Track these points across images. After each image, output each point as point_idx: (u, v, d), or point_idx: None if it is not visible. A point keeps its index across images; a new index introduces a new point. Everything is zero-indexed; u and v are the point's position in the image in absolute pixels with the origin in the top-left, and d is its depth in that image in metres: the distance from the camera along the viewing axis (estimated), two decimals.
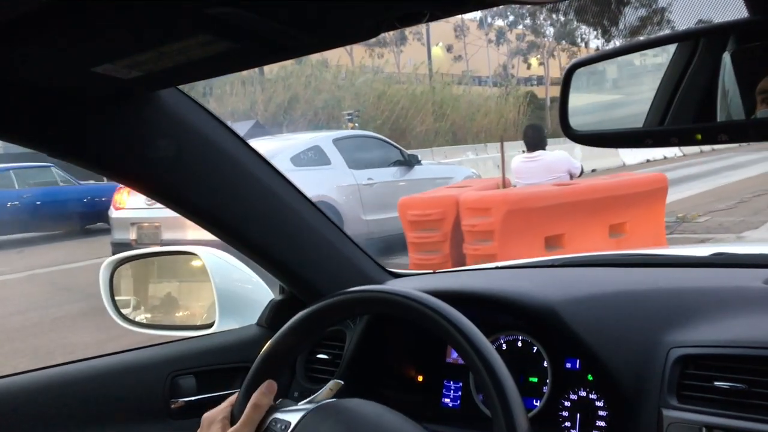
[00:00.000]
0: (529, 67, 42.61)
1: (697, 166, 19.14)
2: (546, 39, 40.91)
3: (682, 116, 0.90)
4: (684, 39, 0.92)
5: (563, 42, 41.76)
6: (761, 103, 0.77)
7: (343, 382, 1.05)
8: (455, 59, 39.08)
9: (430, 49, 34.37)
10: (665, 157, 23.31)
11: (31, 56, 0.82)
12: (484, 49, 40.00)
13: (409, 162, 9.03)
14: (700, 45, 0.89)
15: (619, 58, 1.01)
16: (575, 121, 1.01)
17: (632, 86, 1.09)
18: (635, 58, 1.00)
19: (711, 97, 0.85)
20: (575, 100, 1.02)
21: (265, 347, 1.03)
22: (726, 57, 0.82)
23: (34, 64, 0.85)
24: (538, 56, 41.77)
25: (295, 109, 22.26)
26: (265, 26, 0.72)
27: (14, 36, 0.73)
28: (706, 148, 24.54)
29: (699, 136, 0.86)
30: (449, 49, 39.40)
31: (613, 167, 20.38)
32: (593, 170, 19.33)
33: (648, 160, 22.27)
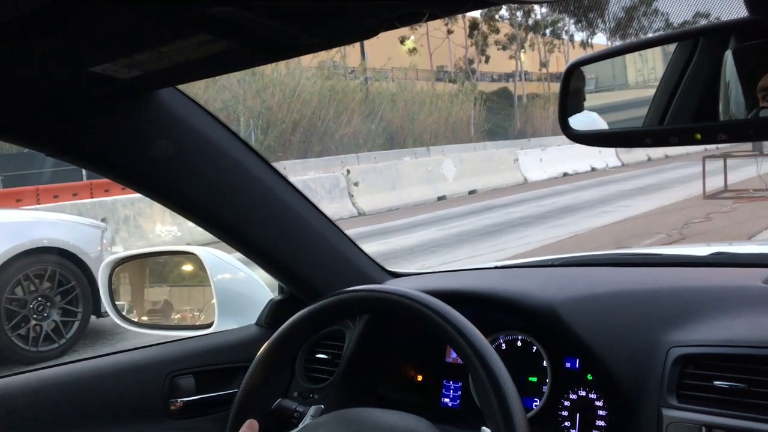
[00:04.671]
0: (487, 60, 37.68)
1: (607, 186, 14.31)
2: (521, 31, 37.49)
3: (682, 115, 0.90)
4: (684, 38, 0.92)
5: (546, 34, 39.27)
6: (762, 100, 0.77)
7: (323, 407, 1.07)
8: (410, 52, 34.51)
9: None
10: (593, 169, 18.23)
11: (31, 56, 0.81)
12: (447, 42, 36.05)
13: None
14: (700, 44, 0.89)
15: None
16: (575, 121, 1.01)
17: None
18: None
19: (711, 97, 0.85)
20: None
21: (263, 347, 1.03)
22: (728, 55, 0.82)
23: (33, 63, 0.85)
24: (513, 47, 37.50)
25: None
26: (265, 26, 0.71)
27: (14, 36, 0.73)
28: (656, 155, 20.70)
29: (699, 136, 0.86)
30: (402, 41, 34.90)
31: (507, 185, 15.26)
32: (471, 191, 14.76)
33: (566, 174, 17.35)
